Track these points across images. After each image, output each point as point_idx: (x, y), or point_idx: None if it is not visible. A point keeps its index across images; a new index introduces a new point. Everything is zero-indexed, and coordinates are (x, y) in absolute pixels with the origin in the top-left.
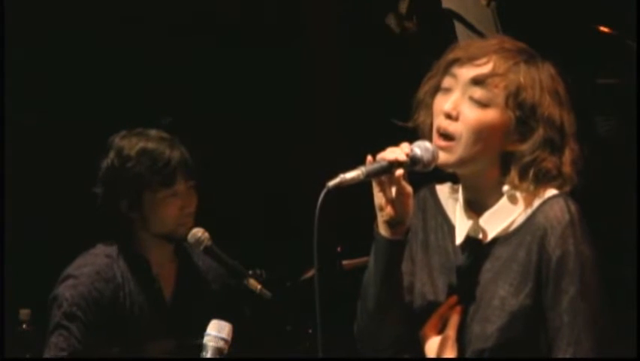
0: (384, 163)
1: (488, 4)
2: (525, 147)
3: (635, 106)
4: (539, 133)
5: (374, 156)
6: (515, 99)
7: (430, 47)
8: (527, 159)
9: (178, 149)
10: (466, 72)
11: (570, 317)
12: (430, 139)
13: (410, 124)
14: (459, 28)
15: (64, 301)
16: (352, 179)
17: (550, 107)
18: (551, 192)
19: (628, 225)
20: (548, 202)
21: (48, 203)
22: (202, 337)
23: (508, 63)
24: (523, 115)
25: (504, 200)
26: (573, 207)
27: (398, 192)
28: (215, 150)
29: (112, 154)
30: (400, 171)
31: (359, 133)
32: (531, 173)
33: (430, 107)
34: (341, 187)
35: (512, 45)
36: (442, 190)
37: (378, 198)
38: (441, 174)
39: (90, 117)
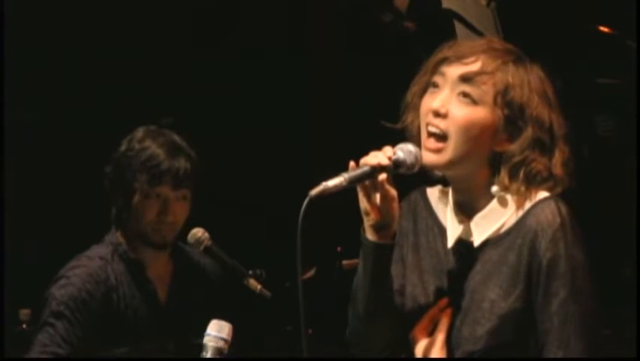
0: (366, 168)
1: (488, 4)
2: (514, 147)
3: (635, 106)
4: (528, 133)
5: (357, 162)
6: (504, 98)
7: (430, 47)
8: (517, 159)
9: (181, 159)
10: (455, 70)
11: (560, 320)
12: (418, 140)
13: (398, 126)
14: (459, 28)
15: (53, 301)
16: (335, 186)
17: (538, 108)
18: (542, 194)
19: (628, 225)
20: (539, 205)
21: (48, 203)
22: (202, 337)
23: (497, 62)
24: (511, 114)
25: (495, 202)
26: (564, 210)
27: (382, 196)
28: (215, 150)
29: (125, 140)
30: (382, 176)
31: (358, 133)
32: (521, 174)
33: (418, 108)
34: (324, 195)
35: (501, 45)
36: (433, 193)
37: (363, 203)
38: (431, 177)
39: (90, 118)
